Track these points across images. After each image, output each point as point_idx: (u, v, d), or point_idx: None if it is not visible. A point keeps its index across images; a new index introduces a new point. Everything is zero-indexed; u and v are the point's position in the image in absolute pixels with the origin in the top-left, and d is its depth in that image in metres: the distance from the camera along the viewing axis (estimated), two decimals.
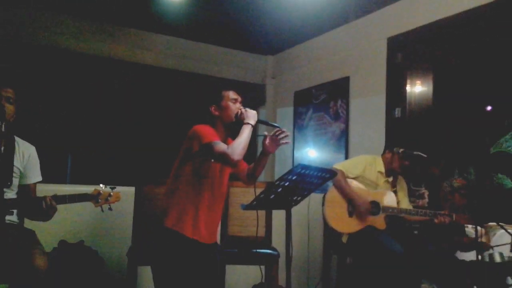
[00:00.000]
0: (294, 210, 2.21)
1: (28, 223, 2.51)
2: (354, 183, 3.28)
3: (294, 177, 2.03)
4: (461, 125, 4.46)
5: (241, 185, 3.09)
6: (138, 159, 4.98)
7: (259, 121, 2.39)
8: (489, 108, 4.52)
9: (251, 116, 2.33)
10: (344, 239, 3.25)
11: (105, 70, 5.00)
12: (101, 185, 2.40)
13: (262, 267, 3.17)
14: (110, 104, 5.11)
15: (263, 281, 3.17)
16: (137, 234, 3.14)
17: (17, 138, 2.47)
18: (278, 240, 3.28)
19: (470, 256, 3.18)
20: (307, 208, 3.87)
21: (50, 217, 2.36)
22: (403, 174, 3.45)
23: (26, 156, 2.45)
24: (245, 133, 2.26)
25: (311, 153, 5.11)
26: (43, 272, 2.16)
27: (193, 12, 4.53)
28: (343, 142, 4.67)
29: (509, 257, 2.95)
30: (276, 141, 2.36)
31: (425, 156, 3.19)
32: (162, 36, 5.29)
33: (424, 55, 4.23)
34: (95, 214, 2.96)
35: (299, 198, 2.21)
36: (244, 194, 3.27)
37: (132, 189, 3.17)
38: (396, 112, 4.10)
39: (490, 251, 3.02)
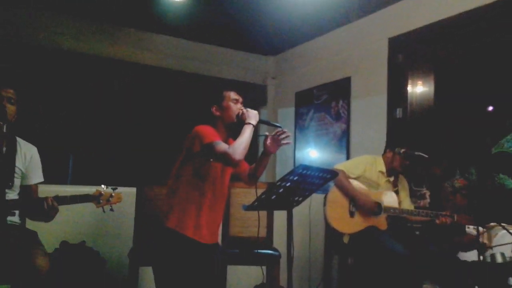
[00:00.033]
0: (296, 210, 2.20)
1: (30, 224, 2.52)
2: (355, 183, 3.28)
3: (295, 178, 2.02)
4: (463, 126, 4.46)
5: (243, 186, 3.10)
6: (139, 159, 4.97)
7: (260, 121, 2.39)
8: (490, 108, 4.52)
9: (252, 116, 2.33)
10: (346, 239, 3.25)
11: (105, 71, 4.99)
12: (102, 185, 2.41)
13: (264, 267, 3.18)
14: (110, 104, 5.10)
15: (265, 281, 3.18)
16: (138, 234, 3.15)
17: (18, 139, 2.47)
18: (279, 240, 3.28)
19: (471, 256, 3.18)
20: (308, 209, 3.87)
21: (52, 218, 2.37)
22: (404, 173, 3.45)
23: (28, 157, 2.45)
24: (247, 133, 2.25)
25: (312, 153, 5.10)
26: (44, 272, 2.16)
27: (193, 13, 4.52)
28: (344, 143, 4.67)
29: (510, 257, 2.94)
30: (277, 141, 2.36)
31: (426, 156, 3.19)
32: (163, 36, 5.28)
33: (426, 55, 4.22)
34: (96, 215, 2.96)
35: (300, 199, 2.21)
36: (246, 195, 3.27)
37: (133, 190, 3.18)
38: (398, 113, 4.09)
39: (491, 251, 3.01)
